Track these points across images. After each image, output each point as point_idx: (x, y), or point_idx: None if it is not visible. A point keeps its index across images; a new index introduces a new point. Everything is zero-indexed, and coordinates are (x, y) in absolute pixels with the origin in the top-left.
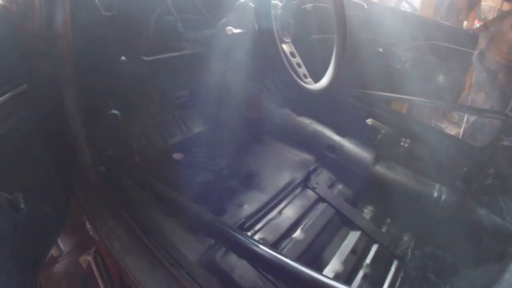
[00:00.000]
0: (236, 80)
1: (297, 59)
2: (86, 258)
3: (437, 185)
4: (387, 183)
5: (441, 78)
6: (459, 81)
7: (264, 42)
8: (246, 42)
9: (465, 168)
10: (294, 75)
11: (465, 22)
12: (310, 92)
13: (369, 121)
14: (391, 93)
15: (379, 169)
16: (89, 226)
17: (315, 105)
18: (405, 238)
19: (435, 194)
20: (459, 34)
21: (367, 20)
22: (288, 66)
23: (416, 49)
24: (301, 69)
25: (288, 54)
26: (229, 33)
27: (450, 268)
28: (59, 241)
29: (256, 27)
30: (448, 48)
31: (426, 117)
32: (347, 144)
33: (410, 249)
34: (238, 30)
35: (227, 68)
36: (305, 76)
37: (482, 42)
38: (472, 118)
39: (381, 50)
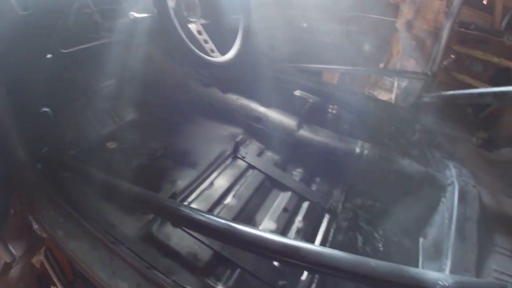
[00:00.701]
0: (161, 64)
1: (204, 36)
2: (38, 258)
3: (359, 142)
4: (311, 145)
5: (366, 47)
6: (384, 49)
7: (162, 24)
8: (151, 25)
9: (392, 127)
10: (197, 51)
11: None
12: (220, 65)
13: (297, 92)
14: (321, 65)
15: (303, 133)
16: (36, 226)
17: (243, 81)
18: (335, 193)
19: (358, 150)
20: (381, 5)
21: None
22: (189, 43)
23: (340, 22)
24: (208, 44)
25: (195, 32)
26: (131, 17)
27: (381, 215)
28: (10, 247)
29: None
30: (371, 18)
31: (358, 86)
32: (273, 114)
33: (340, 203)
34: (141, 15)
35: (149, 53)
36: (212, 51)
37: (409, 12)
38: (404, 83)
39: (305, 25)
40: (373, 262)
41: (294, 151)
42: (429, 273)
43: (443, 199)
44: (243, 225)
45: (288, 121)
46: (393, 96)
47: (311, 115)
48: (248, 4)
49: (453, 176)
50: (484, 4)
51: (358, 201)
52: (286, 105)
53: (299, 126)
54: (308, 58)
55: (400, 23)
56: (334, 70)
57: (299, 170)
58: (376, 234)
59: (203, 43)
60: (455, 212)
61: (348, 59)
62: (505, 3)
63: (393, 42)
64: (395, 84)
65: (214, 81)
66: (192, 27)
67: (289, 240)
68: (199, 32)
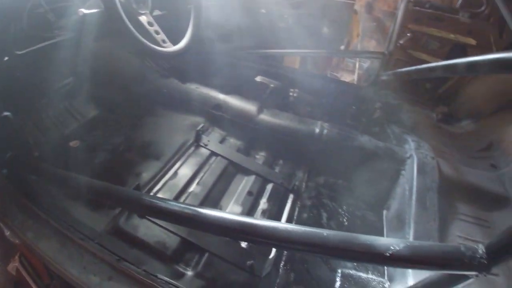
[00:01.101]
0: (118, 58)
1: (155, 27)
2: (14, 265)
3: (319, 123)
4: (272, 129)
5: (325, 30)
6: (343, 31)
7: (110, 19)
8: (101, 21)
9: (353, 107)
10: (147, 43)
11: None
12: (171, 55)
13: (258, 78)
14: (278, 48)
15: (264, 117)
16: (8, 232)
17: (202, 70)
18: (298, 174)
19: (317, 130)
20: None
21: None
22: (138, 36)
23: (297, 6)
24: (159, 35)
25: (146, 24)
26: (80, 14)
27: (344, 192)
28: None
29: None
30: (328, 1)
31: (320, 69)
32: (233, 101)
33: (303, 182)
34: (90, 11)
35: (105, 48)
36: (164, 42)
37: None
38: (366, 64)
39: (263, 11)
40: (325, 232)
41: (256, 135)
42: (381, 239)
43: (403, 172)
44: (202, 208)
45: (249, 107)
46: (355, 77)
47: (273, 99)
48: None
49: (411, 149)
50: None
51: (320, 179)
52: (248, 91)
53: (259, 110)
54: (269, 44)
55: (359, 5)
56: (294, 54)
57: (262, 153)
58: (340, 210)
59: (154, 34)
60: (415, 183)
61: (308, 43)
62: None
63: (352, 24)
64: (357, 65)
65: (172, 72)
66: (143, 19)
67: (246, 218)
68: (150, 24)
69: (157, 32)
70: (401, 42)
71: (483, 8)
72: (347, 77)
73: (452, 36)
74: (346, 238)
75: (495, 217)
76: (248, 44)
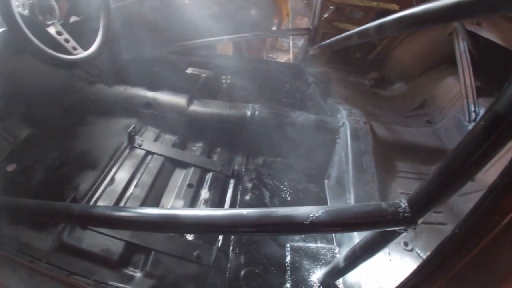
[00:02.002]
0: (41, 72)
1: (64, 36)
2: None
3: (250, 105)
4: (204, 118)
5: (253, 12)
6: (270, 12)
7: (14, 35)
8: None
9: (287, 85)
10: (49, 52)
11: None
12: (82, 61)
13: (188, 70)
14: (209, 37)
15: (194, 108)
16: None
17: (133, 70)
18: (237, 158)
19: (248, 113)
20: None
21: None
22: (42, 46)
23: None
24: (69, 43)
25: (55, 34)
26: None
27: (284, 169)
28: None
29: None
30: None
31: (255, 52)
32: (162, 97)
33: (243, 166)
34: None
35: (24, 64)
36: (75, 49)
37: None
38: (300, 42)
39: (187, 1)
40: (244, 211)
41: (189, 127)
42: (300, 209)
43: (338, 140)
44: (130, 208)
45: (178, 100)
46: (291, 56)
47: (206, 89)
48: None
49: (344, 117)
50: None
51: (259, 160)
52: (180, 85)
53: (189, 102)
54: (198, 34)
55: None
56: (223, 41)
57: (199, 144)
58: (282, 187)
59: (64, 43)
60: (350, 149)
61: (237, 28)
62: None
63: (280, 4)
64: (291, 44)
65: (102, 77)
66: (51, 30)
67: (168, 210)
68: (59, 33)
69: (67, 41)
70: (325, 15)
71: None
72: (283, 57)
73: (374, 3)
74: (265, 213)
75: (434, 169)
76: (177, 38)
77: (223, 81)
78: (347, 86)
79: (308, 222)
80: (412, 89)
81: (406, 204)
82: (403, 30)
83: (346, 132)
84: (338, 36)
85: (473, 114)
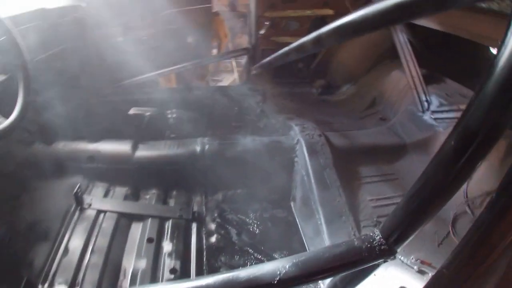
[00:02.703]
0: None
1: None
2: None
3: (199, 140)
4: (153, 163)
5: (190, 39)
6: (208, 36)
7: None
8: None
9: (236, 108)
10: None
11: None
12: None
13: (131, 110)
14: (149, 72)
15: (141, 154)
16: None
17: (71, 121)
18: (195, 199)
19: (198, 149)
20: None
21: (94, 17)
22: None
23: (155, 24)
24: None
25: None
26: None
27: (246, 200)
28: None
29: None
30: (184, 11)
31: (200, 78)
32: (105, 147)
33: (203, 206)
34: None
35: None
36: None
37: None
38: (243, 60)
39: (121, 39)
40: (203, 281)
41: (139, 175)
42: (264, 266)
43: (296, 158)
44: None
45: (122, 148)
46: (236, 76)
47: (152, 129)
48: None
49: (297, 134)
50: None
51: (219, 196)
52: (124, 129)
53: (134, 148)
54: (137, 71)
55: (220, 6)
56: (163, 74)
57: (152, 191)
58: (247, 220)
59: None
60: (309, 167)
61: (177, 57)
62: None
63: (217, 26)
64: (234, 63)
65: (39, 133)
66: None
67: None
68: None
69: None
70: (262, 32)
71: None
72: (229, 78)
73: (308, 12)
74: (227, 279)
75: (398, 166)
76: (116, 78)
77: (169, 116)
78: (295, 98)
79: (276, 281)
80: (360, 89)
81: (380, 236)
82: (342, 39)
83: (302, 149)
84: (276, 54)
85: (425, 103)
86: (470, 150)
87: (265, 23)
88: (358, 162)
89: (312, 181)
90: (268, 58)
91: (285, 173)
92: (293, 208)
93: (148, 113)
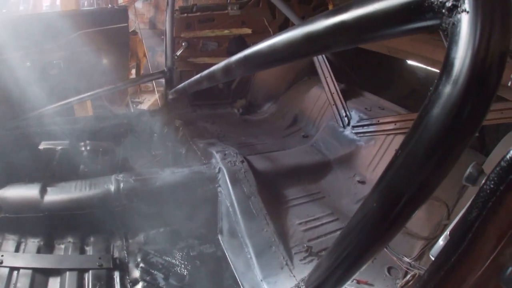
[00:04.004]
0: None
1: None
2: None
3: (112, 178)
4: (63, 208)
5: (105, 61)
6: (125, 56)
7: None
8: None
9: (155, 134)
10: None
11: None
12: None
13: (41, 145)
14: (62, 100)
15: (50, 198)
16: None
17: None
18: (115, 243)
19: (113, 188)
20: (106, 14)
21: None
22: None
23: (67, 47)
24: None
25: None
26: None
27: (171, 238)
28: None
29: None
30: (98, 31)
31: (119, 102)
32: (11, 193)
33: (124, 251)
34: None
35: None
36: None
37: (149, 10)
38: (163, 80)
39: (28, 64)
40: None
41: (51, 223)
42: None
43: (219, 188)
44: None
45: (30, 193)
46: (157, 96)
47: (65, 165)
48: None
49: (218, 162)
50: None
51: (140, 238)
52: (32, 167)
53: (43, 192)
54: (48, 99)
55: (139, 24)
56: (74, 102)
57: (68, 240)
58: (174, 261)
59: None
60: (233, 197)
61: (91, 80)
62: None
63: (135, 45)
64: (154, 83)
65: None
66: None
67: None
68: None
69: None
70: (178, 54)
71: None
72: (150, 98)
73: (226, 31)
74: None
75: (323, 184)
76: (24, 108)
77: (83, 148)
78: (217, 120)
79: None
80: (281, 108)
81: None
82: (251, 71)
83: (225, 178)
84: (189, 81)
85: (346, 118)
86: (394, 214)
87: (182, 43)
88: (284, 184)
89: (238, 212)
90: (182, 84)
91: (209, 204)
92: (221, 242)
93: (60, 147)
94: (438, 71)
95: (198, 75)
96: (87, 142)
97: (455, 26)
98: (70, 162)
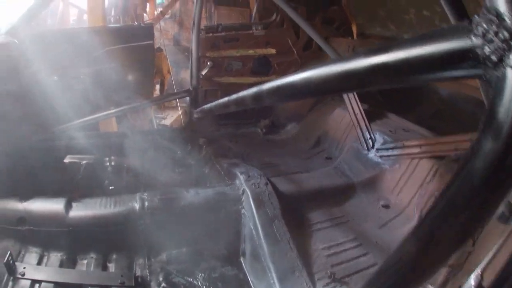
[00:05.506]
0: None
1: None
2: None
3: (137, 196)
4: (89, 224)
5: (130, 78)
6: (149, 73)
7: None
8: None
9: (178, 152)
10: None
11: (145, 15)
12: None
13: (66, 159)
14: (91, 115)
15: (75, 214)
16: None
17: None
18: (138, 261)
19: (137, 206)
20: (132, 31)
21: (29, 55)
22: None
23: (93, 63)
24: None
25: None
26: None
27: (193, 259)
28: None
29: None
30: (124, 48)
31: (143, 119)
32: (37, 206)
33: (146, 269)
34: None
35: None
36: None
37: (173, 27)
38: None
39: (56, 78)
40: None
41: (75, 237)
42: None
43: (243, 210)
44: None
45: (55, 207)
46: (180, 113)
47: (89, 179)
48: None
49: (242, 183)
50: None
51: (163, 257)
52: (57, 180)
53: (68, 207)
54: (75, 112)
55: (165, 41)
56: (100, 118)
57: (91, 255)
58: (196, 282)
59: None
60: (257, 219)
61: (116, 96)
62: None
63: (160, 62)
64: (177, 100)
65: None
66: None
67: None
68: None
69: None
70: (203, 73)
71: (273, 17)
72: (173, 115)
73: (251, 51)
74: None
75: (347, 207)
76: (50, 122)
77: (107, 164)
78: (240, 140)
79: None
80: (304, 129)
81: None
82: (282, 101)
83: (249, 200)
84: (216, 103)
85: (370, 141)
86: (431, 258)
87: (207, 63)
88: (307, 207)
89: (261, 235)
90: (209, 105)
91: (233, 226)
92: (243, 265)
93: (84, 161)
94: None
95: (226, 99)
96: (112, 158)
97: (500, 80)
98: (94, 176)
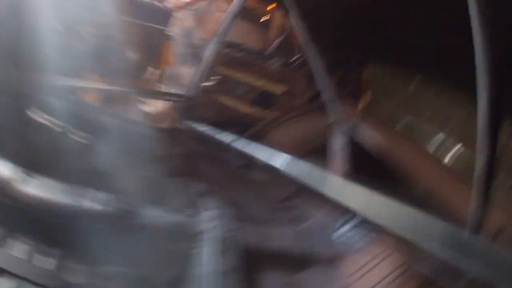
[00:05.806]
0: None
1: None
2: None
3: (92, 193)
4: (38, 206)
5: (130, 55)
6: (149, 57)
7: None
8: None
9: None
10: None
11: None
12: None
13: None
14: (78, 76)
15: (26, 190)
16: None
17: None
18: (70, 265)
19: (86, 205)
20: (151, 10)
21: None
22: None
23: (102, 27)
24: None
25: None
26: None
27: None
28: None
29: None
30: (139, 25)
31: (127, 100)
32: None
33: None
34: None
35: None
36: None
37: (188, 20)
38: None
39: (62, 29)
40: None
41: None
42: None
43: (198, 250)
44: None
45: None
46: (164, 106)
47: (55, 151)
48: None
49: (203, 223)
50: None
51: (100, 269)
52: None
53: (22, 180)
54: (60, 68)
55: (176, 31)
56: (86, 88)
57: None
58: None
59: None
60: (211, 265)
61: (108, 67)
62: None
63: (164, 50)
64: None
65: None
66: None
67: None
68: None
69: None
70: (207, 85)
71: (296, 57)
72: (156, 104)
73: (260, 83)
74: None
75: (306, 277)
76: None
77: (76, 137)
78: (215, 164)
79: None
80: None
81: None
82: None
83: (207, 243)
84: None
85: (344, 220)
86: None
87: (215, 77)
88: (265, 266)
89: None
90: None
91: (183, 262)
92: None
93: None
94: None
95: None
96: (85, 134)
97: None
98: (59, 148)
